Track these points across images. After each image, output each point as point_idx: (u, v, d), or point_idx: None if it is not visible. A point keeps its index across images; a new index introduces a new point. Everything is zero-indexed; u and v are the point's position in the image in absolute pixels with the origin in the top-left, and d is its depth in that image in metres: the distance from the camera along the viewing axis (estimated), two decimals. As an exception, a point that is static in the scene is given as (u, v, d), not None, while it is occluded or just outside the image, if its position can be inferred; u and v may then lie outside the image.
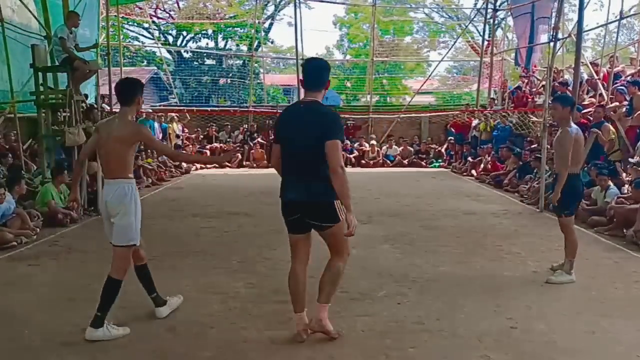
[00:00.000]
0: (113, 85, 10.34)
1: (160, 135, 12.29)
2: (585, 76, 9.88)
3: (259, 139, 13.66)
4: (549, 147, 6.95)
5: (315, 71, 2.80)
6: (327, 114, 2.74)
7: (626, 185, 6.10)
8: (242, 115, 14.54)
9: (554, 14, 10.91)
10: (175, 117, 12.98)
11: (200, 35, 21.55)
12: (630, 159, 6.46)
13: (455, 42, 17.33)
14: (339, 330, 2.90)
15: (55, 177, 6.13)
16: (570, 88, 9.98)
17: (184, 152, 2.93)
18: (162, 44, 19.50)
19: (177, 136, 12.86)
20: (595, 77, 9.37)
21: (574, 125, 3.87)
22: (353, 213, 2.59)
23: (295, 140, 2.71)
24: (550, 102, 6.33)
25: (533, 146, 9.29)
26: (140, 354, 2.75)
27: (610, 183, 5.94)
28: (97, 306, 2.89)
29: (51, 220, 5.76)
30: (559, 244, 4.86)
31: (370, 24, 17.28)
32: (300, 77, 2.80)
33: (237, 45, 21.52)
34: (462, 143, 12.49)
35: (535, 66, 12.77)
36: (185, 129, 13.18)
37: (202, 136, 13.42)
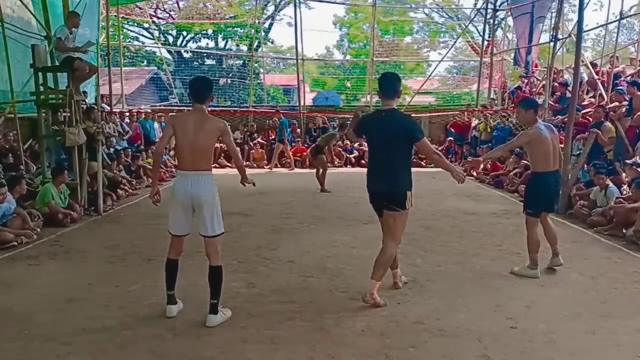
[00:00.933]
0: (114, 85, 10.43)
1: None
2: (585, 77, 9.88)
3: (259, 139, 13.67)
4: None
5: (390, 82, 3.40)
6: (408, 119, 3.43)
7: (624, 186, 6.10)
8: (242, 115, 14.56)
9: (551, 14, 10.93)
10: None
11: (200, 35, 21.57)
12: (626, 161, 6.47)
13: (455, 42, 17.34)
14: (385, 301, 3.39)
15: (56, 177, 6.12)
16: (569, 88, 10.01)
17: (242, 167, 3.11)
18: (162, 44, 19.52)
19: None
20: (596, 77, 9.38)
21: (541, 125, 3.99)
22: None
23: (380, 142, 3.34)
24: (549, 103, 6.41)
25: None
26: (140, 353, 2.75)
27: (609, 182, 5.93)
28: (211, 294, 3.07)
29: (51, 220, 5.76)
30: (558, 243, 4.87)
31: (370, 24, 17.30)
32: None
33: (237, 45, 21.54)
34: (462, 143, 12.49)
35: (536, 66, 12.78)
36: None
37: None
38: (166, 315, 3.16)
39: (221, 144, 13.05)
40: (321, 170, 8.76)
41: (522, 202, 4.37)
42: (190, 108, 3.23)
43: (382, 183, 3.34)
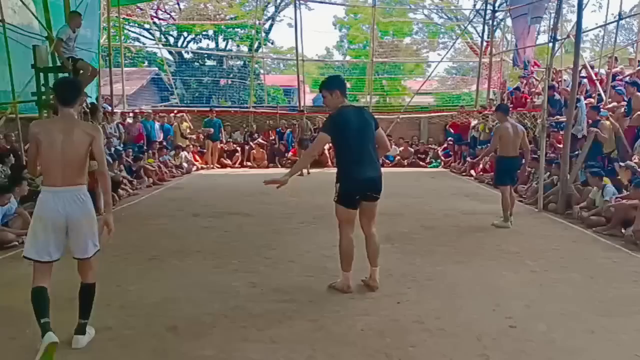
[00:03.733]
0: (115, 86, 10.45)
1: (162, 136, 12.33)
2: (586, 81, 9.91)
3: (260, 139, 13.70)
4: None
5: (345, 84, 3.76)
6: (370, 112, 3.97)
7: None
8: (243, 116, 14.59)
9: (550, 14, 10.96)
10: (185, 116, 13.04)
11: (201, 36, 21.59)
12: (620, 163, 6.48)
13: (454, 43, 17.38)
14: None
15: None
16: (558, 90, 10.03)
17: (106, 184, 2.78)
18: (163, 44, 19.53)
19: (184, 136, 12.90)
20: (594, 77, 9.41)
21: (506, 123, 5.72)
22: None
23: (361, 133, 3.49)
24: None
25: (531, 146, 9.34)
26: (140, 353, 2.76)
27: (607, 182, 5.94)
28: (81, 313, 2.78)
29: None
30: (557, 243, 4.91)
31: (369, 25, 17.33)
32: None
33: (238, 46, 21.56)
34: (461, 143, 12.52)
35: (537, 65, 12.81)
36: (187, 129, 13.25)
37: (202, 136, 13.46)
38: (47, 342, 2.52)
39: (221, 144, 13.26)
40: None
41: (493, 178, 6.20)
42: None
43: (375, 170, 3.53)
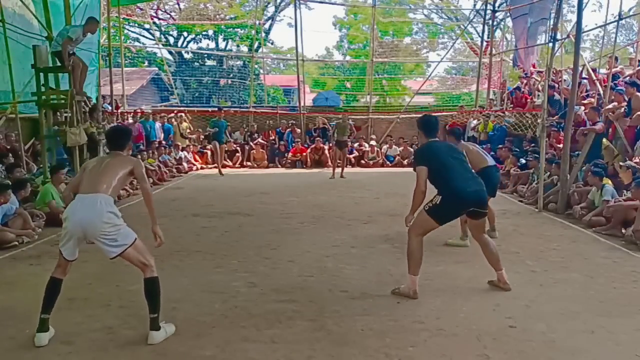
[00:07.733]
0: (115, 86, 10.45)
1: (162, 136, 12.34)
2: (586, 81, 9.91)
3: (260, 140, 13.70)
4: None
5: (430, 126, 3.74)
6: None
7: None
8: (243, 116, 14.60)
9: (550, 14, 10.96)
10: (184, 116, 13.01)
11: (200, 36, 21.63)
12: (620, 163, 6.48)
13: (454, 43, 17.39)
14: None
15: (53, 175, 6.15)
16: (557, 89, 10.03)
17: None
18: (163, 44, 19.55)
19: (184, 136, 12.88)
20: (594, 78, 9.41)
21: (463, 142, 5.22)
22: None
23: (453, 159, 3.61)
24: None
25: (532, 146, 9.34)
26: (141, 352, 2.76)
27: (607, 182, 5.94)
28: (150, 309, 2.86)
29: (53, 220, 5.78)
30: (557, 243, 4.90)
31: (369, 25, 17.34)
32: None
33: (238, 46, 21.59)
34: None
35: (534, 66, 12.82)
36: (187, 129, 13.26)
37: (202, 137, 13.47)
38: (35, 345, 2.75)
39: (222, 144, 13.27)
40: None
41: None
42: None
43: (479, 184, 3.58)
